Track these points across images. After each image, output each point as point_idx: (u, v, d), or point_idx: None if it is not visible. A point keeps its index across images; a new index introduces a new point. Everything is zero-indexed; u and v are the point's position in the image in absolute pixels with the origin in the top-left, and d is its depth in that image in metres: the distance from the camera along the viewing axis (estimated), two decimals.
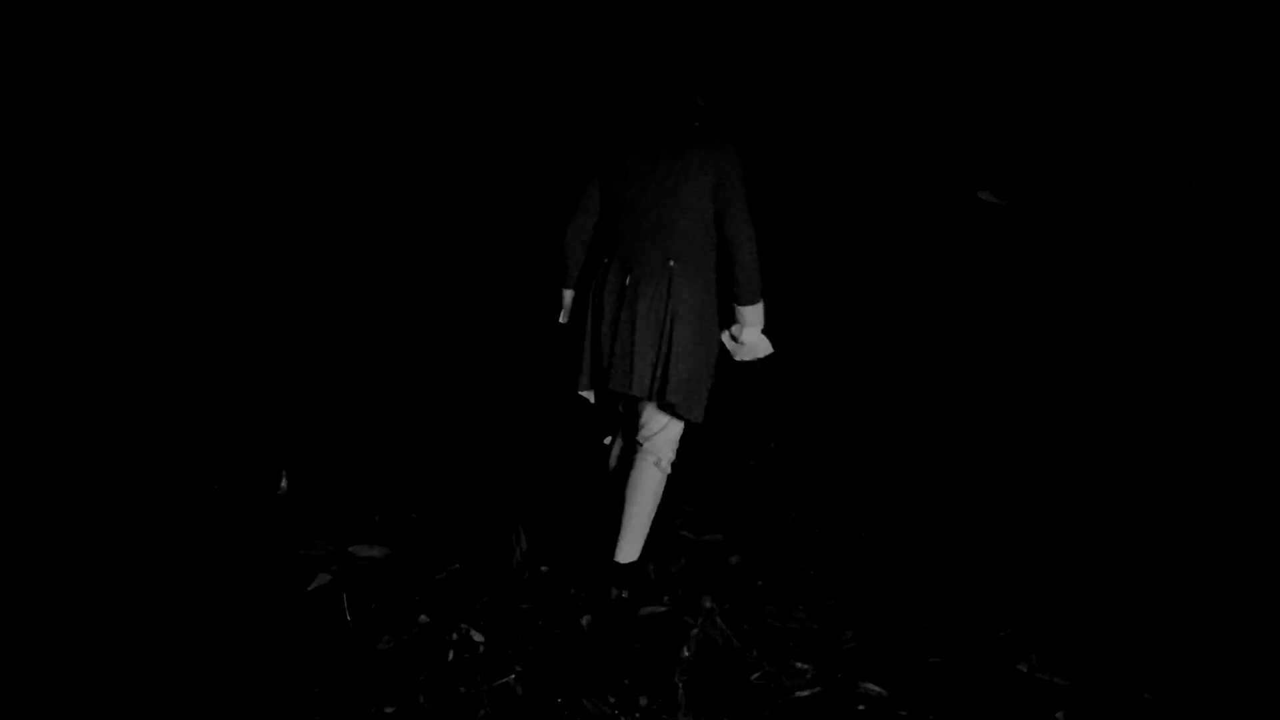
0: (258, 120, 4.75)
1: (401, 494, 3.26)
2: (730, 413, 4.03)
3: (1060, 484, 3.34)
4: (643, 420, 2.61)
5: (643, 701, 2.17)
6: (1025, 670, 2.30)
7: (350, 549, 2.80)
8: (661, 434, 2.58)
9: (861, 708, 2.18)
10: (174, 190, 4.68)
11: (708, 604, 2.54)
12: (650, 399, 2.51)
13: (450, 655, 2.34)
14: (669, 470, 2.62)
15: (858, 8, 4.32)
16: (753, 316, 2.51)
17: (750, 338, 2.55)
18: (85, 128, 4.49)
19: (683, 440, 2.76)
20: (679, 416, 2.55)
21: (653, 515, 2.63)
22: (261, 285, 4.75)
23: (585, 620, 2.50)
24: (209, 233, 4.72)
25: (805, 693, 2.23)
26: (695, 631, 2.45)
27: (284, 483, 3.20)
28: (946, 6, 4.21)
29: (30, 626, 2.40)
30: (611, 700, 2.18)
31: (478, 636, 2.40)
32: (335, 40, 4.71)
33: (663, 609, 2.56)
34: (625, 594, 2.59)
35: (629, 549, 2.62)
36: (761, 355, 2.59)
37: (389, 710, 2.12)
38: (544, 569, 2.77)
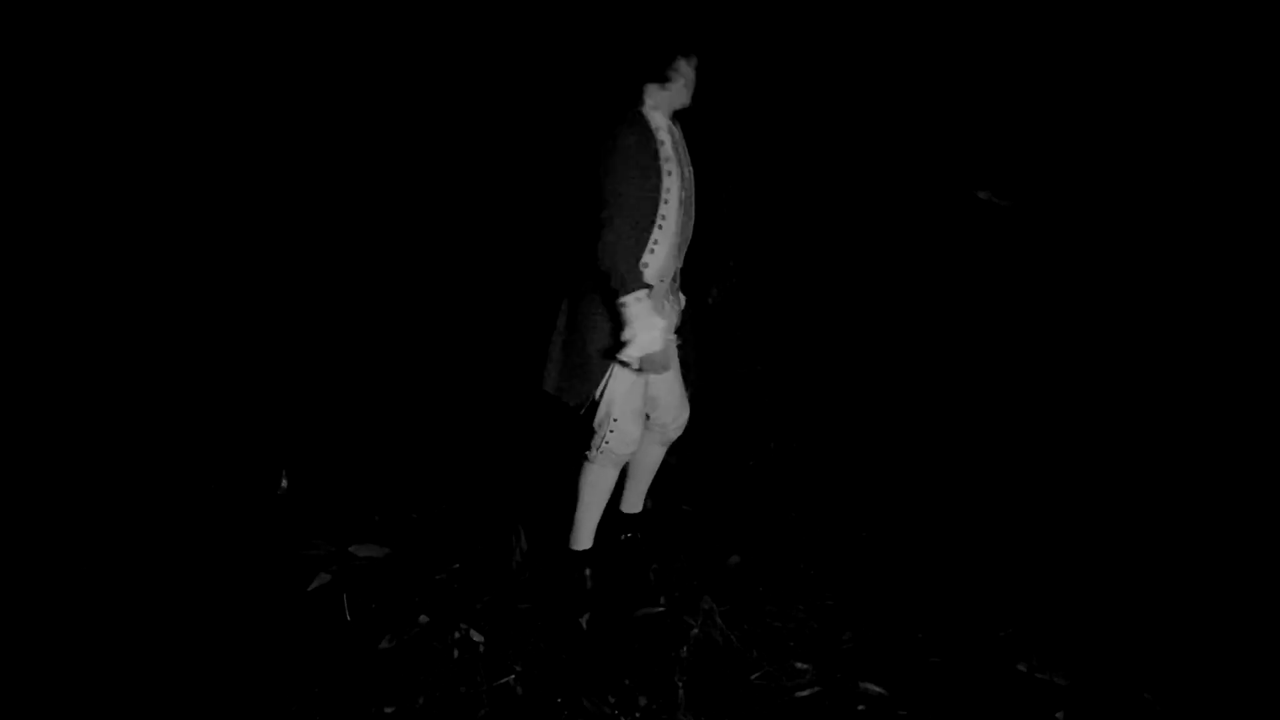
0: (257, 120, 4.75)
1: (401, 494, 3.26)
2: (730, 413, 4.04)
3: (1060, 484, 3.34)
4: None
5: (642, 701, 2.17)
6: (1025, 670, 2.30)
7: (350, 549, 2.80)
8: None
9: (861, 708, 2.18)
10: (174, 190, 4.68)
11: (707, 604, 2.54)
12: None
13: (451, 655, 2.34)
14: (594, 459, 2.52)
15: (858, 7, 4.32)
16: (623, 314, 2.29)
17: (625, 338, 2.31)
18: (85, 127, 4.49)
19: (684, 440, 2.77)
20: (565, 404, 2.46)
21: (589, 502, 2.58)
22: (261, 285, 4.74)
23: (585, 620, 2.50)
24: (209, 232, 4.72)
25: (805, 693, 2.23)
26: (695, 631, 2.45)
27: (284, 483, 3.20)
28: (946, 6, 4.21)
29: (30, 626, 2.40)
30: (611, 700, 2.18)
31: (478, 636, 2.40)
32: (335, 40, 4.71)
33: (661, 609, 2.56)
34: (588, 573, 2.62)
35: (572, 535, 2.63)
36: (632, 363, 2.34)
37: (389, 710, 2.12)
38: (544, 569, 2.77)
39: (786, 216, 4.54)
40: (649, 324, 2.27)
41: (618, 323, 2.31)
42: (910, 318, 4.40)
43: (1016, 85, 4.10)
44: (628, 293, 2.24)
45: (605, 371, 2.39)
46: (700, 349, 2.78)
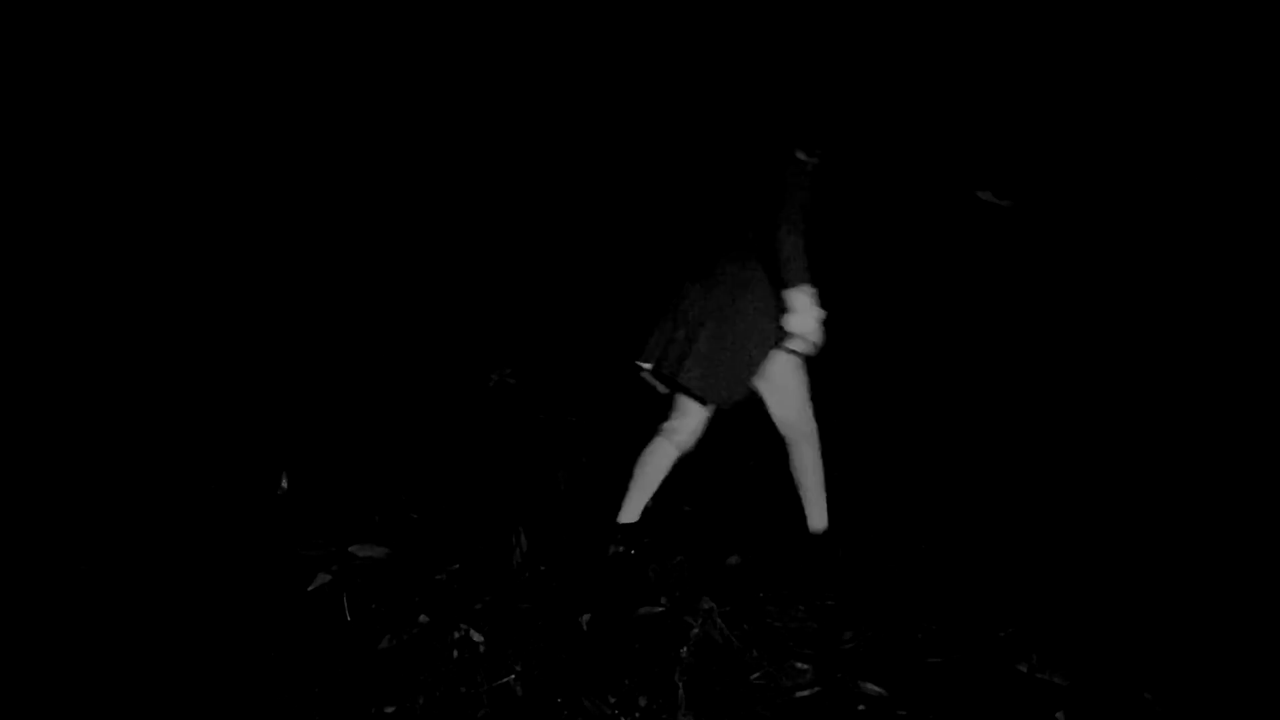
0: (258, 120, 4.75)
1: (401, 494, 3.26)
2: (730, 413, 4.03)
3: (1060, 484, 3.34)
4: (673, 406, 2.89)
5: (643, 701, 2.17)
6: (1025, 670, 2.30)
7: (350, 549, 2.79)
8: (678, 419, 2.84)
9: (861, 708, 2.18)
10: (174, 190, 4.68)
11: (707, 604, 2.54)
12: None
13: (450, 655, 2.34)
14: (676, 451, 2.82)
15: (859, 8, 4.31)
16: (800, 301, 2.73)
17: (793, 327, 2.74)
18: (85, 128, 4.49)
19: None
20: (695, 398, 2.76)
21: (651, 482, 2.84)
22: (262, 285, 4.74)
23: (585, 620, 2.50)
24: (209, 233, 4.72)
25: (805, 693, 2.23)
26: (695, 631, 2.45)
27: (284, 483, 3.20)
28: (947, 7, 4.21)
29: (30, 626, 2.40)
30: (611, 700, 2.18)
31: (478, 636, 2.40)
32: (335, 40, 4.71)
33: (662, 609, 2.56)
34: (631, 550, 2.76)
35: (625, 509, 2.87)
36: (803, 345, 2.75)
37: (389, 710, 2.12)
38: (544, 569, 2.77)
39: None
40: (816, 311, 2.72)
41: (771, 325, 2.72)
42: (911, 317, 4.40)
43: (1017, 85, 4.09)
44: (805, 282, 2.69)
45: (756, 371, 2.72)
46: None
